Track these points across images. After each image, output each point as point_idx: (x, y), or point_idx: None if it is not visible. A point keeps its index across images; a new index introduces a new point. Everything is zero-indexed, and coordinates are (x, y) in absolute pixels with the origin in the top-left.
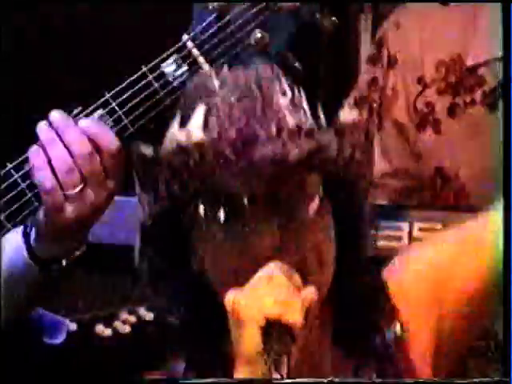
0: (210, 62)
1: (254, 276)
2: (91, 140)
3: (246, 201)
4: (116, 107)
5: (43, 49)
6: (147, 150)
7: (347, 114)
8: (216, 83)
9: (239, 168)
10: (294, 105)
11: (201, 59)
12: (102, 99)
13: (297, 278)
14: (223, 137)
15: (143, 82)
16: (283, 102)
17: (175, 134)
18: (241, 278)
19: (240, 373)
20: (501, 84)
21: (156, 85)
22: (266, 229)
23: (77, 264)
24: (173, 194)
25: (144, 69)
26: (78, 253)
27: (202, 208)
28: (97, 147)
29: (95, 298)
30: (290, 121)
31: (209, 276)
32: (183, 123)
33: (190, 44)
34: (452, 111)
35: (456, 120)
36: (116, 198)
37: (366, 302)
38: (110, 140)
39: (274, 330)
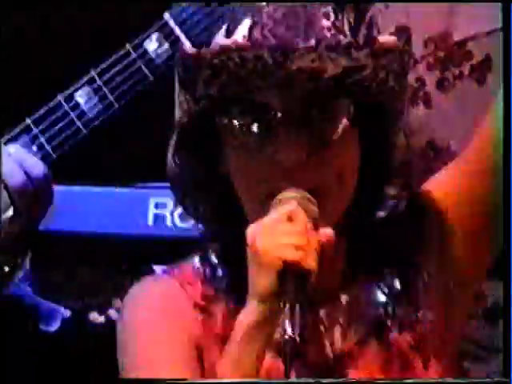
0: (192, 40)
1: (274, 204)
2: (21, 167)
3: (279, 114)
4: (102, 84)
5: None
6: (190, 49)
7: (386, 38)
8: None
9: (276, 77)
10: (336, 27)
11: (182, 37)
12: (88, 76)
13: (314, 208)
14: (264, 44)
15: (127, 60)
16: (325, 23)
17: (220, 40)
18: (264, 189)
19: (252, 307)
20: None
21: (140, 62)
22: (294, 143)
23: (72, 254)
24: (211, 95)
25: (128, 47)
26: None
27: (236, 116)
28: (27, 174)
29: (89, 286)
30: (328, 36)
31: (234, 181)
32: (228, 33)
33: (171, 22)
34: (441, 85)
35: (446, 94)
36: (108, 189)
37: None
38: (37, 166)
39: (290, 275)
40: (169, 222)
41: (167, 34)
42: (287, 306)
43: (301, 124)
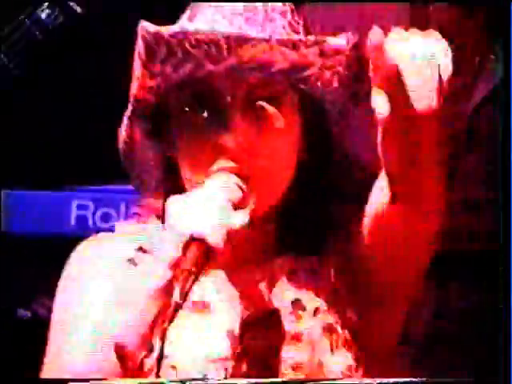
0: (81, 5)
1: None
2: None
3: (227, 99)
4: (1, 55)
5: None
6: (151, 27)
7: (336, 40)
8: None
9: (228, 64)
10: (291, 26)
11: (71, 3)
12: None
13: (238, 192)
14: (221, 32)
15: (22, 29)
16: (281, 22)
17: (182, 23)
18: (205, 171)
19: (156, 272)
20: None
21: (34, 29)
22: (238, 129)
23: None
24: (165, 73)
25: (22, 16)
26: None
27: (186, 97)
28: None
29: (15, 283)
30: (283, 33)
31: (179, 161)
32: (190, 19)
33: None
34: (354, 98)
35: (358, 108)
36: (33, 192)
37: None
38: None
39: (193, 248)
40: (90, 223)
41: (58, 0)
42: (183, 275)
43: (246, 111)
